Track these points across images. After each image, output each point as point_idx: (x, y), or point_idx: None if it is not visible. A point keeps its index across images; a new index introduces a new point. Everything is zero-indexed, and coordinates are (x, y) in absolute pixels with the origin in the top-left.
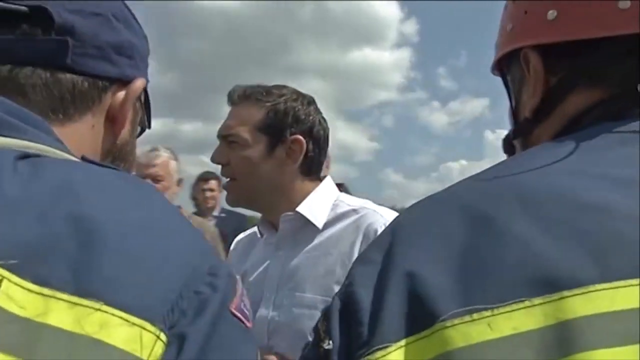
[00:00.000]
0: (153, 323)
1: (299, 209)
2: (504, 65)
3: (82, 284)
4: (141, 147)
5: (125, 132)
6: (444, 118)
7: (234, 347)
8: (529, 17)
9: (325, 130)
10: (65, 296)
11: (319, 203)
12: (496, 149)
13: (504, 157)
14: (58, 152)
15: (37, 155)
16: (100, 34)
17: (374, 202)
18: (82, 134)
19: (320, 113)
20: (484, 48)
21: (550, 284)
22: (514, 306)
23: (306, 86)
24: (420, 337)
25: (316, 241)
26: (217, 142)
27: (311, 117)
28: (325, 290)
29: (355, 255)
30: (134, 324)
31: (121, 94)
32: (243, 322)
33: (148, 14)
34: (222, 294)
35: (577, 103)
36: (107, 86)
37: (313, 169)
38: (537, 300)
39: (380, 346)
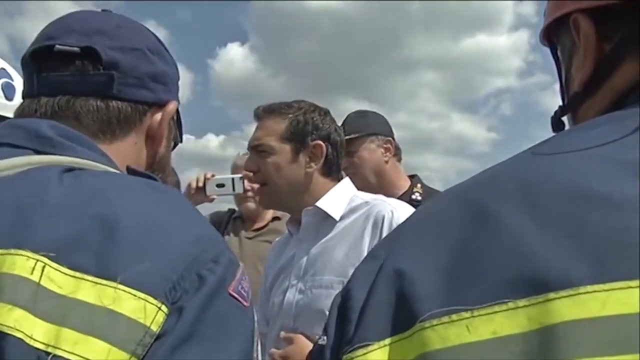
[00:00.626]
0: (155, 297)
1: (318, 203)
2: (553, 35)
3: (102, 268)
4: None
5: (162, 148)
6: None
7: (227, 320)
8: None
9: (341, 136)
10: (89, 277)
11: (336, 198)
12: None
13: None
14: (100, 165)
15: (82, 169)
16: (139, 66)
17: None
18: (126, 151)
19: (335, 122)
20: None
21: (537, 285)
22: (496, 308)
23: (419, 79)
24: (402, 337)
25: (334, 232)
26: None
27: (328, 125)
28: (340, 272)
29: (365, 240)
30: (139, 297)
31: (158, 116)
32: (240, 302)
33: (255, 17)
34: (219, 276)
35: (628, 76)
36: (146, 109)
37: (333, 170)
38: (521, 302)
39: (362, 344)
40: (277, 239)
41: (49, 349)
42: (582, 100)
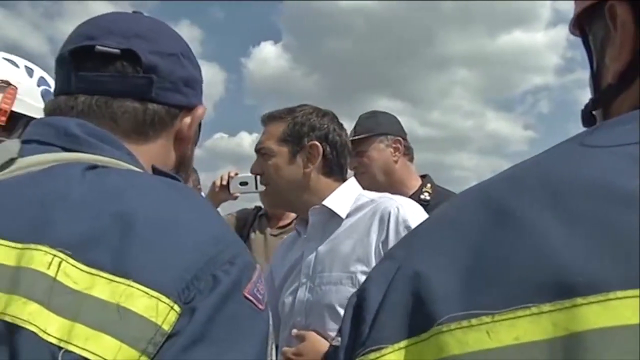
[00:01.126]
0: (168, 296)
1: (324, 202)
2: (585, 23)
3: (118, 266)
4: None
5: (187, 149)
6: None
7: (240, 322)
8: None
9: (342, 137)
10: (105, 274)
11: (342, 197)
12: None
13: None
14: (124, 163)
15: (105, 167)
16: (174, 70)
17: None
18: (155, 151)
19: (336, 122)
20: None
21: (563, 289)
22: (519, 312)
23: (452, 77)
24: (418, 340)
25: (340, 229)
26: None
27: (326, 125)
28: (347, 267)
29: (372, 236)
30: (152, 296)
31: (188, 119)
32: (254, 304)
33: (288, 16)
34: (234, 278)
35: None
36: (178, 113)
37: (334, 170)
38: (545, 307)
39: (375, 347)
40: (283, 239)
41: (62, 344)
42: (616, 93)
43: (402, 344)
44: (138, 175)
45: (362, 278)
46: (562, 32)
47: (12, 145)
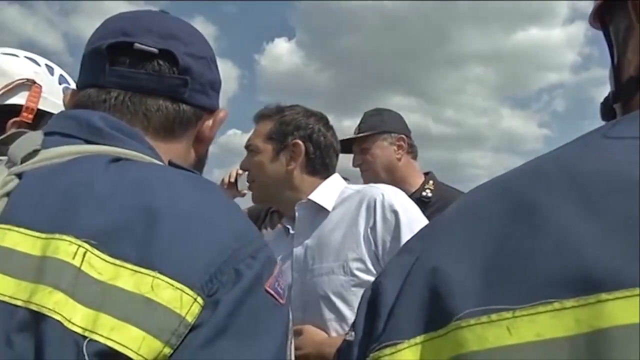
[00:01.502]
0: (192, 288)
1: (310, 196)
2: (606, 15)
3: (142, 257)
4: None
5: (205, 150)
6: None
7: (262, 316)
8: None
9: (327, 137)
10: (129, 266)
11: (326, 191)
12: None
13: None
14: (146, 157)
15: (128, 159)
16: (204, 73)
17: None
18: (177, 149)
19: (322, 123)
20: None
21: (587, 284)
22: (540, 308)
23: (467, 75)
24: (435, 336)
25: (327, 222)
26: None
27: (311, 125)
28: (337, 257)
29: (360, 223)
30: (177, 288)
31: (210, 121)
32: (276, 298)
33: (302, 13)
34: (256, 272)
35: None
36: (202, 115)
37: (317, 168)
38: (568, 303)
39: (390, 342)
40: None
41: (86, 333)
42: (638, 86)
43: (419, 339)
44: (161, 169)
45: (353, 265)
46: (580, 29)
47: (35, 136)
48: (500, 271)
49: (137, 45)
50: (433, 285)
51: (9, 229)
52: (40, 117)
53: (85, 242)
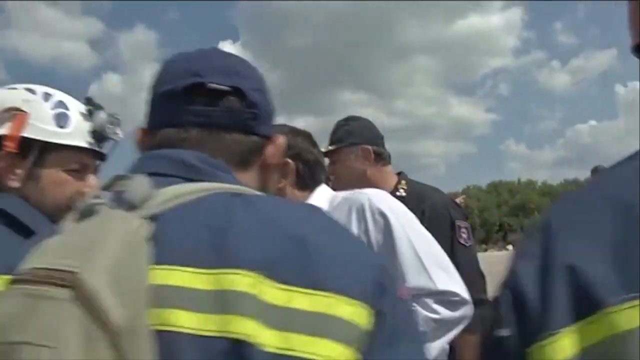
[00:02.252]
0: (363, 302)
1: None
2: None
3: (308, 280)
4: None
5: (270, 174)
6: (566, 78)
7: (411, 318)
8: None
9: (314, 154)
10: (298, 289)
11: (316, 201)
12: (630, 104)
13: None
14: (249, 190)
15: (242, 194)
16: (265, 104)
17: (497, 176)
18: (252, 178)
19: (309, 141)
20: None
21: None
22: None
23: (414, 65)
24: (587, 322)
25: None
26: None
27: (298, 145)
28: None
29: (353, 228)
30: (351, 303)
31: (271, 148)
32: (409, 303)
33: (243, 14)
34: (393, 284)
35: None
36: (265, 143)
37: (308, 184)
38: None
39: (550, 332)
40: None
41: (282, 351)
42: None
43: (573, 327)
44: (275, 200)
45: None
46: (517, 13)
47: (144, 179)
48: (632, 265)
49: (210, 85)
50: (574, 281)
51: (171, 269)
52: (30, 145)
53: (256, 273)
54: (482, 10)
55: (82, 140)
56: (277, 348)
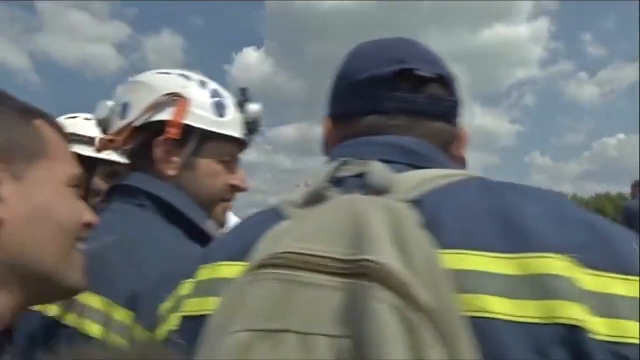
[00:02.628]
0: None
1: None
2: None
3: (618, 267)
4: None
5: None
6: (594, 90)
7: None
8: None
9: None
10: (611, 275)
11: None
12: None
13: None
14: (471, 174)
15: (480, 179)
16: (459, 95)
17: None
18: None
19: None
20: (636, 4)
21: None
22: None
23: None
24: None
25: None
26: None
27: None
28: None
29: None
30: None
31: (462, 141)
32: None
33: (269, 21)
34: None
35: None
36: (459, 134)
37: None
38: None
39: None
40: None
41: (615, 339)
42: None
43: None
44: (519, 187)
45: None
46: (544, 24)
47: (381, 165)
48: None
49: (417, 72)
50: None
51: (462, 254)
52: (189, 132)
53: (566, 256)
54: (509, 20)
55: (237, 131)
56: (608, 336)
